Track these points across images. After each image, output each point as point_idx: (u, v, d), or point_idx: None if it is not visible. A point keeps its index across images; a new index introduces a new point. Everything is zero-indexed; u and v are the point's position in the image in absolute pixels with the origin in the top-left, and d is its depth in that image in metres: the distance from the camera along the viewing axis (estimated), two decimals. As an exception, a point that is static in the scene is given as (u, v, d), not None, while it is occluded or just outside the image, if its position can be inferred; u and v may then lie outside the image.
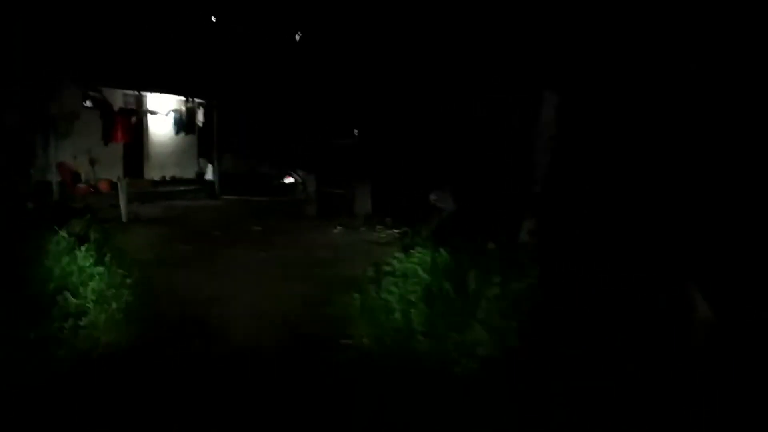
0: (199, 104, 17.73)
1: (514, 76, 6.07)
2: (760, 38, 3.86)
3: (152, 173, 17.71)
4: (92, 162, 15.27)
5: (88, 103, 15.35)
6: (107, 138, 15.75)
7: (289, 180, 17.67)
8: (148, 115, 17.50)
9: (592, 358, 3.46)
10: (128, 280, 6.37)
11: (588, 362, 3.38)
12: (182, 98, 17.90)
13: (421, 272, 5.50)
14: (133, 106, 16.96)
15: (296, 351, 4.86)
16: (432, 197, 10.67)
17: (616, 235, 3.99)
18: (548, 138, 4.71)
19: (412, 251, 6.49)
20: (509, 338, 4.18)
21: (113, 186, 14.67)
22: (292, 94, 21.39)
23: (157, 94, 17.39)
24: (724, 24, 4.04)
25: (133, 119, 16.59)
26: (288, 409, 3.87)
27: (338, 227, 11.77)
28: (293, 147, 22.85)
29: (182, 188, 17.18)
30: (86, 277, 5.99)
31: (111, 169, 15.57)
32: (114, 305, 5.65)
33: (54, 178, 13.60)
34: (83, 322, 5.13)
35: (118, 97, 16.29)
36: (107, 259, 6.54)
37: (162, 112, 17.77)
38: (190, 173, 19.10)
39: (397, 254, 6.54)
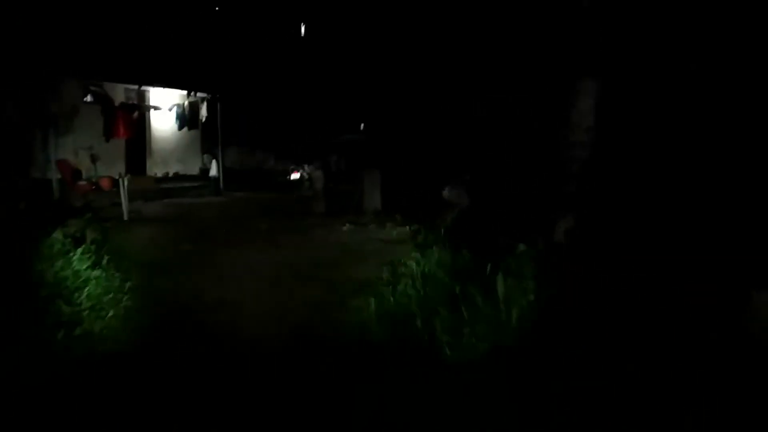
0: (203, 99, 17.30)
1: (542, 65, 5.63)
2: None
3: (155, 170, 17.33)
4: (93, 159, 14.90)
5: (88, 98, 14.97)
6: (109, 134, 15.37)
7: (295, 176, 17.27)
8: (151, 110, 17.11)
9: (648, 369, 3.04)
10: (127, 284, 5.98)
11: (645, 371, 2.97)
12: (185, 93, 17.47)
13: (442, 274, 5.07)
14: (135, 101, 16.57)
15: (308, 364, 4.44)
16: (445, 193, 10.22)
17: (675, 235, 3.56)
18: (585, 130, 4.25)
19: (429, 250, 6.07)
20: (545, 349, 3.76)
21: (115, 183, 14.31)
22: (297, 88, 20.98)
23: (160, 89, 16.99)
24: None
25: (135, 114, 16.20)
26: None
27: (347, 224, 11.33)
28: (299, 142, 22.48)
29: (186, 185, 16.79)
30: (82, 282, 5.61)
31: (113, 166, 15.20)
32: (111, 312, 5.26)
33: (54, 175, 13.21)
34: (78, 331, 4.74)
35: (119, 92, 15.90)
36: (105, 261, 6.15)
37: (165, 107, 17.37)
38: (193, 169, 18.72)
39: (413, 254, 6.10)
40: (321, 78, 21.56)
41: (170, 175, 17.77)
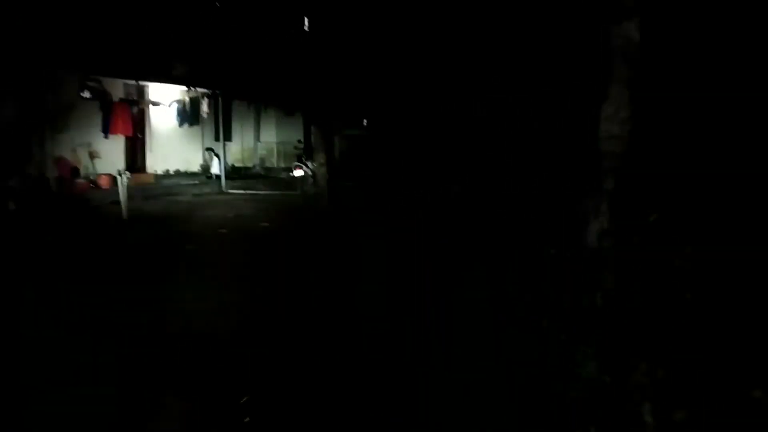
0: (204, 94, 16.92)
1: (570, 54, 5.21)
2: None
3: (155, 167, 16.97)
4: (92, 156, 14.55)
5: (86, 94, 14.57)
6: (107, 130, 14.99)
7: (298, 172, 16.87)
8: (151, 106, 16.73)
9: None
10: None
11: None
12: (186, 88, 17.08)
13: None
14: (135, 97, 16.20)
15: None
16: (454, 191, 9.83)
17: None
18: (623, 121, 3.85)
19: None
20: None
21: (114, 181, 13.97)
22: (299, 83, 20.56)
23: (160, 84, 16.59)
24: None
25: (135, 110, 15.83)
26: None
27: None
28: (302, 138, 22.08)
29: (187, 182, 16.43)
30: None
31: (112, 164, 14.84)
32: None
33: (51, 173, 12.85)
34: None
35: (118, 87, 15.51)
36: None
37: (165, 103, 16.98)
38: (194, 166, 18.36)
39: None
40: (324, 73, 21.16)
41: (171, 172, 17.41)
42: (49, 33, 12.74)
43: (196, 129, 17.94)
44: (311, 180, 15.78)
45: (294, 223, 11.23)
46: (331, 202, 13.56)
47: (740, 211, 3.65)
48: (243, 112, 20.41)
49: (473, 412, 3.52)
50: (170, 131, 17.38)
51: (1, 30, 11.12)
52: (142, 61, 15.18)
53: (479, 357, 4.10)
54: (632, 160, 4.22)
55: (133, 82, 15.83)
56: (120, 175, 11.97)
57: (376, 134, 21.75)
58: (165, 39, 15.77)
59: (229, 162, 18.53)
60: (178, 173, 17.54)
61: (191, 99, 17.07)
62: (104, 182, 13.91)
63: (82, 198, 12.92)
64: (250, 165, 20.58)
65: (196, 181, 16.71)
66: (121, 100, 15.45)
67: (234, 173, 18.14)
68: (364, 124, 24.14)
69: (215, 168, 17.51)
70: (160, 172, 16.94)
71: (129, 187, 12.33)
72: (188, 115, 17.19)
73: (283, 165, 21.33)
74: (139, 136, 16.37)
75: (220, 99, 16.96)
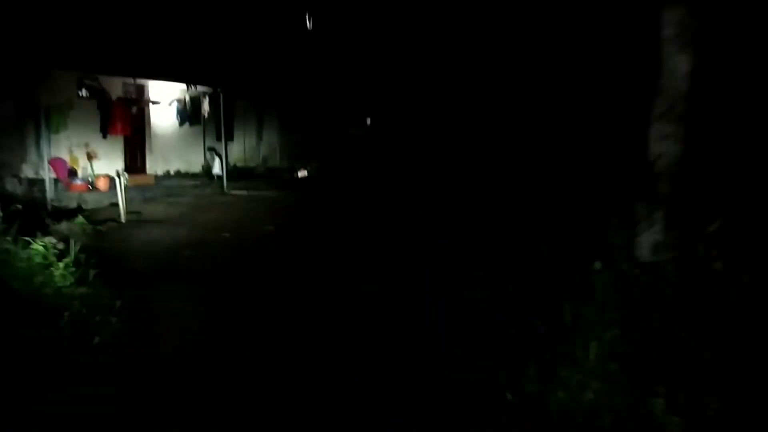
0: (205, 93, 16.47)
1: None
2: None
3: (155, 168, 16.53)
4: (90, 157, 14.10)
5: (83, 93, 14.14)
6: (106, 130, 14.56)
7: (302, 173, 16.43)
8: (150, 105, 16.28)
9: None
10: (118, 303, 5.16)
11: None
12: (186, 86, 16.63)
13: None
14: (134, 96, 15.77)
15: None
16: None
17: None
18: (678, 117, 3.39)
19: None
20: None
21: (113, 182, 13.55)
22: (302, 81, 20.15)
23: (160, 83, 16.14)
24: None
25: (134, 110, 15.39)
26: None
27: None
28: (305, 138, 21.66)
29: (188, 183, 15.96)
30: (64, 302, 4.81)
31: (111, 164, 14.41)
32: (96, 339, 4.46)
33: (47, 175, 12.39)
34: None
35: (116, 86, 15.08)
36: (91, 276, 5.33)
37: (165, 102, 16.54)
38: (196, 167, 17.91)
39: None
40: (327, 72, 20.76)
41: (171, 173, 16.97)
42: (44, 30, 12.32)
43: (197, 128, 17.49)
44: (315, 180, 15.35)
45: (300, 226, 10.79)
46: (334, 202, 13.14)
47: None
48: (245, 111, 20.00)
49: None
50: (171, 131, 16.94)
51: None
52: (141, 59, 14.76)
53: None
54: (690, 162, 3.76)
55: (132, 80, 15.41)
56: (118, 176, 11.53)
57: (378, 133, 21.39)
58: (165, 36, 15.35)
59: (231, 162, 18.08)
60: (178, 174, 17.09)
61: (192, 98, 16.63)
62: (102, 184, 13.46)
63: (80, 200, 12.48)
64: (252, 165, 20.13)
65: (198, 182, 16.25)
66: (119, 99, 15.02)
67: (236, 174, 17.67)
68: (368, 123, 23.79)
69: (217, 168, 17.05)
70: (160, 172, 16.50)
71: (128, 189, 11.91)
72: (189, 114, 16.76)
73: (286, 165, 20.89)
74: (139, 136, 15.93)
75: (221, 97, 16.49)
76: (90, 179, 13.61)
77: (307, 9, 21.49)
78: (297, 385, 4.01)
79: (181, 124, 16.83)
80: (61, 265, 5.23)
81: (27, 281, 4.90)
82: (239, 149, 19.85)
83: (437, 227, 9.60)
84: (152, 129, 16.52)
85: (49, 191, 12.10)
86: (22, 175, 12.84)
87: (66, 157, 13.59)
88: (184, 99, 16.66)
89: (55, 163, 13.04)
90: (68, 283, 5.14)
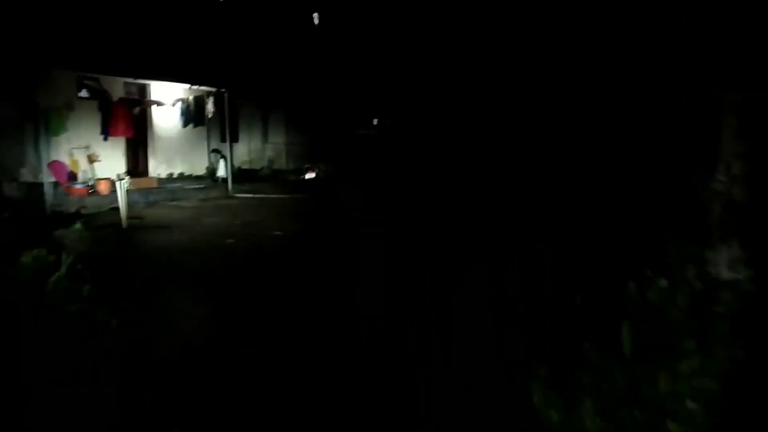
0: (209, 93, 16.02)
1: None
2: None
3: (158, 170, 16.08)
4: (90, 160, 13.67)
5: (84, 93, 13.71)
6: (107, 132, 14.12)
7: (310, 175, 15.95)
8: (153, 105, 15.84)
9: None
10: (114, 322, 4.69)
11: None
12: (190, 87, 16.19)
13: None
14: (136, 96, 15.33)
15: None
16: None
17: None
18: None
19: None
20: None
21: (114, 186, 13.14)
22: (308, 82, 19.70)
23: (162, 83, 15.70)
24: None
25: (136, 111, 14.95)
26: None
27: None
28: (312, 139, 21.21)
29: (192, 186, 15.51)
30: (54, 322, 4.34)
31: (112, 167, 13.98)
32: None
33: (46, 179, 11.97)
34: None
35: (118, 86, 14.64)
36: (86, 291, 4.85)
37: (168, 103, 16.10)
38: (200, 169, 17.46)
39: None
40: (332, 71, 20.31)
41: (175, 175, 16.52)
42: (43, 28, 11.89)
43: (200, 130, 17.04)
44: (323, 182, 14.88)
45: (310, 231, 10.32)
46: (340, 205, 12.71)
47: None
48: (250, 112, 19.56)
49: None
50: (174, 132, 16.50)
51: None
52: (143, 58, 14.33)
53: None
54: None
55: (133, 80, 14.96)
56: (119, 179, 11.11)
57: (384, 134, 20.99)
58: (168, 34, 14.92)
59: (236, 164, 17.63)
60: (182, 177, 16.64)
61: (195, 98, 16.18)
62: (104, 187, 13.02)
63: (80, 204, 12.06)
64: (258, 167, 19.68)
65: (202, 185, 15.80)
66: (121, 99, 14.58)
67: (241, 176, 17.22)
68: (374, 123, 23.34)
69: (221, 171, 16.61)
70: (163, 175, 16.06)
71: (130, 192, 11.49)
72: (192, 115, 16.31)
73: (292, 167, 20.43)
74: (141, 137, 15.49)
75: (226, 98, 16.04)
76: (91, 183, 13.17)
77: (313, 8, 21.07)
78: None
79: (184, 125, 16.39)
80: (52, 279, 4.75)
81: (12, 298, 4.43)
82: (244, 151, 19.40)
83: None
84: (155, 130, 16.09)
85: (48, 195, 11.68)
86: (21, 180, 12.41)
87: (66, 160, 13.16)
88: (188, 99, 16.21)
89: (55, 166, 12.61)
90: (59, 301, 4.66)
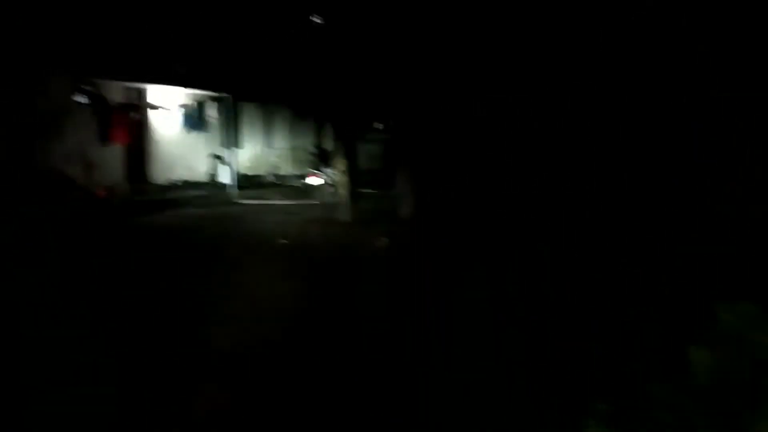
0: (210, 97, 15.55)
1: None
2: None
3: (158, 177, 15.59)
4: (88, 166, 13.17)
5: (80, 98, 13.23)
6: (104, 138, 13.65)
7: (314, 180, 15.49)
8: (152, 110, 15.38)
9: None
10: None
11: None
12: (190, 91, 15.73)
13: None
14: (135, 101, 14.87)
15: None
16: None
17: None
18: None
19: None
20: None
21: (112, 194, 12.66)
22: (313, 82, 19.26)
23: (162, 87, 15.24)
24: None
25: (135, 116, 14.49)
26: None
27: (381, 238, 9.55)
28: (316, 143, 20.80)
29: (193, 193, 15.03)
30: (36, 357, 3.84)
31: (110, 174, 13.50)
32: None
33: (42, 187, 11.47)
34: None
35: (116, 91, 14.17)
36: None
37: (168, 107, 15.64)
38: (201, 175, 16.98)
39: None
40: (337, 73, 19.87)
41: (175, 182, 16.03)
42: (38, 31, 11.44)
43: (202, 135, 16.58)
44: (331, 189, 14.38)
45: (318, 239, 9.83)
46: (354, 212, 12.22)
47: None
48: (252, 116, 19.12)
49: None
50: (174, 138, 16.02)
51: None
52: (142, 62, 13.88)
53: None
54: None
55: (132, 84, 14.51)
56: (117, 187, 10.63)
57: (389, 137, 20.60)
58: (167, 37, 14.46)
59: (239, 170, 17.15)
60: (183, 183, 16.16)
61: (197, 102, 15.71)
62: (101, 196, 12.53)
63: (76, 213, 11.56)
64: (261, 173, 19.24)
65: (204, 192, 15.32)
66: (119, 104, 14.13)
67: (244, 182, 16.76)
68: (380, 127, 22.89)
69: (224, 177, 16.15)
70: (163, 182, 15.58)
71: (129, 200, 11.04)
72: (194, 120, 15.86)
73: (296, 172, 19.97)
74: (140, 143, 15.02)
75: (227, 102, 15.58)
76: (88, 191, 12.67)
77: (313, 8, 20.66)
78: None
79: (185, 130, 15.91)
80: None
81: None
82: (247, 156, 18.93)
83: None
84: (154, 136, 15.61)
85: (44, 204, 11.20)
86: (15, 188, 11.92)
87: (62, 167, 12.66)
88: (189, 104, 15.75)
89: (51, 174, 12.12)
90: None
